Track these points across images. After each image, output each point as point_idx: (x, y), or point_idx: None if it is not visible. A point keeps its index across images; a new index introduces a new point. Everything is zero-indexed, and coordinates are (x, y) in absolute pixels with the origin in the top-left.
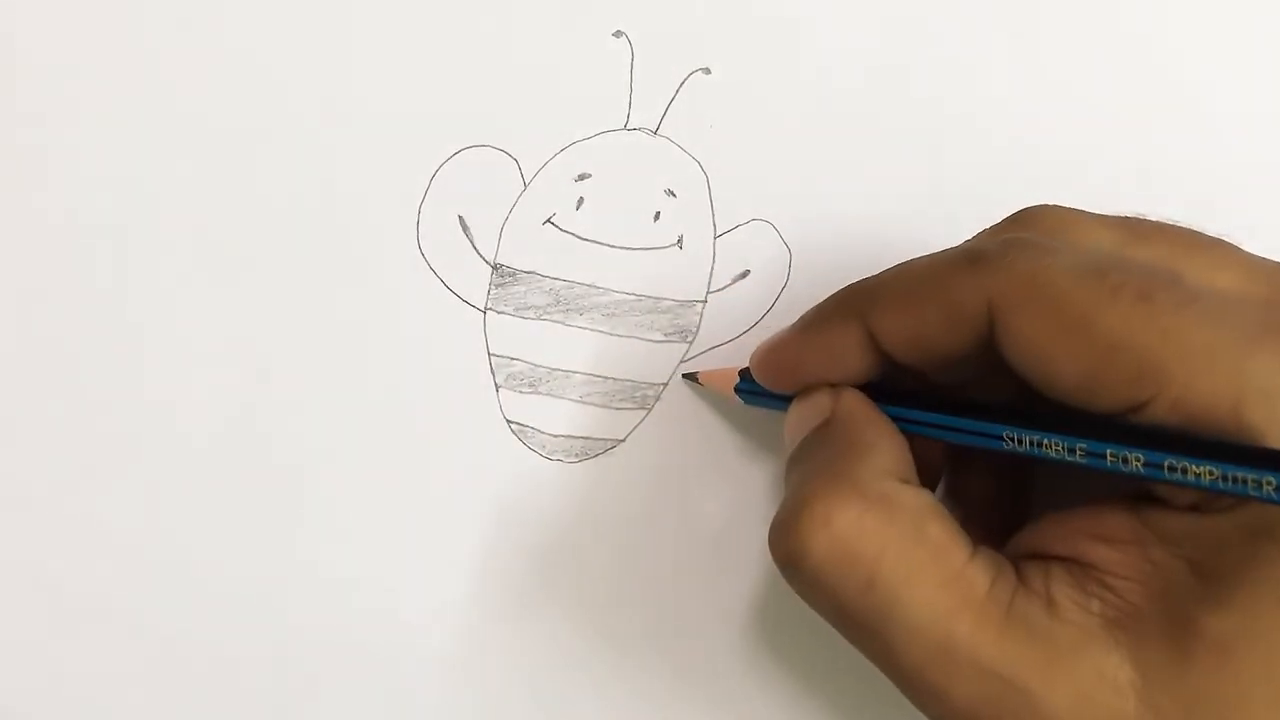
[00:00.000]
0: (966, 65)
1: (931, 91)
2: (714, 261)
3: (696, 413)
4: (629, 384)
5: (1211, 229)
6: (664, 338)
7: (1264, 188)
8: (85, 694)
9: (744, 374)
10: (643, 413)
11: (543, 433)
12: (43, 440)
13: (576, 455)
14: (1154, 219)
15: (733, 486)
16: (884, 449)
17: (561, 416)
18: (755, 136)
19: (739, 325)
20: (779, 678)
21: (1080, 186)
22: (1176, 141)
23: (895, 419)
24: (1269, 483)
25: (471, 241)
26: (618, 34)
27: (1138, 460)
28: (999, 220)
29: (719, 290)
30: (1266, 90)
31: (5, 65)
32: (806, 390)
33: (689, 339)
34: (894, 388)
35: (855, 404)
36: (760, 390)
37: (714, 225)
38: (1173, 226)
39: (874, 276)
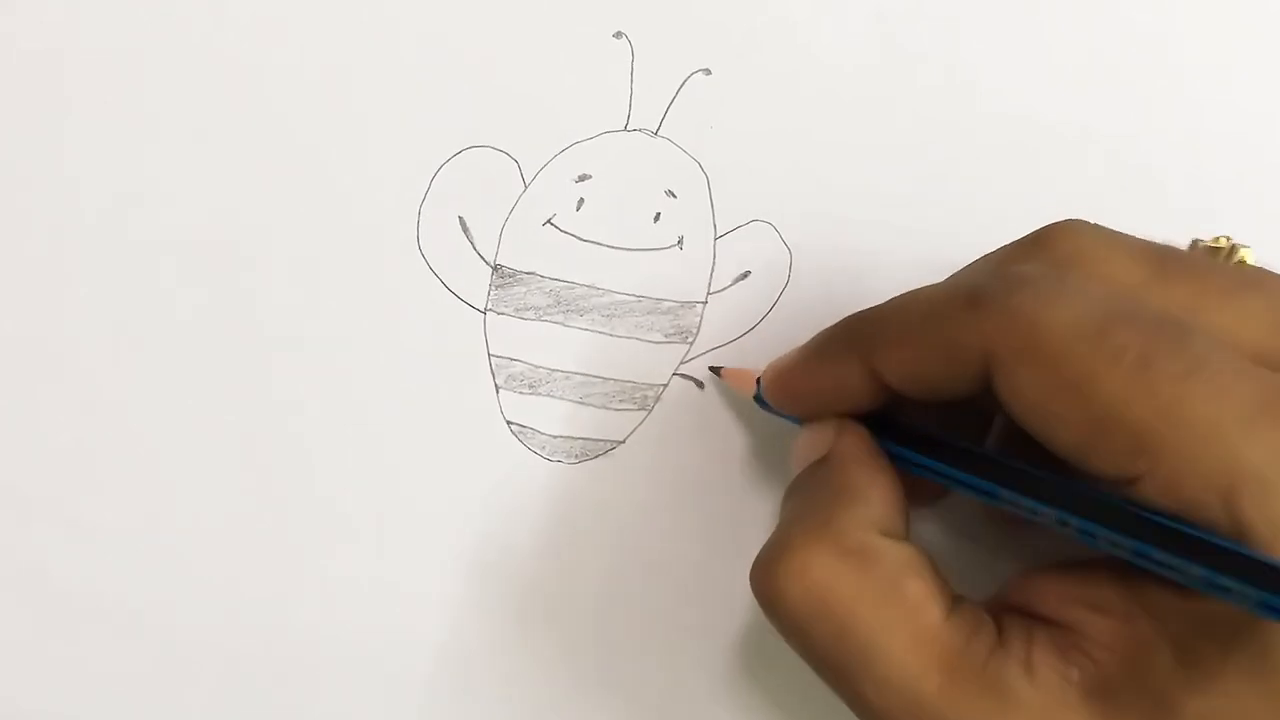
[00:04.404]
0: (966, 65)
1: (931, 91)
2: (714, 262)
3: (696, 414)
4: (629, 385)
5: (1211, 230)
6: (664, 339)
7: (1264, 188)
8: (85, 694)
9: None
10: (643, 414)
11: (543, 433)
12: (43, 440)
13: (576, 456)
14: (1188, 251)
15: (732, 487)
16: (873, 498)
17: (561, 417)
18: (755, 136)
19: (739, 326)
20: (777, 680)
21: (1080, 186)
22: (1176, 141)
23: (896, 458)
24: (1250, 595)
25: (471, 242)
26: (618, 34)
27: (1128, 548)
28: (1022, 236)
29: (719, 291)
30: (1266, 90)
31: (5, 65)
32: (814, 419)
33: (689, 340)
34: (900, 422)
35: (853, 445)
36: None
37: (714, 226)
38: (1206, 263)
39: (878, 307)
